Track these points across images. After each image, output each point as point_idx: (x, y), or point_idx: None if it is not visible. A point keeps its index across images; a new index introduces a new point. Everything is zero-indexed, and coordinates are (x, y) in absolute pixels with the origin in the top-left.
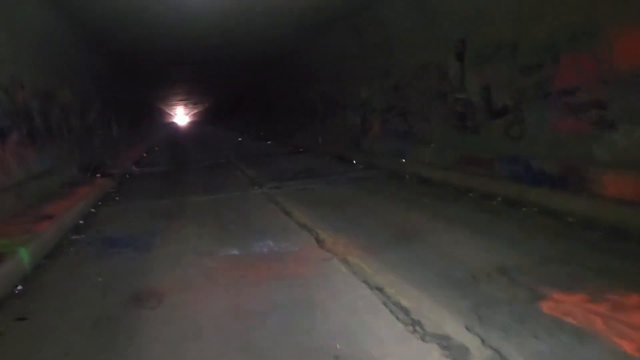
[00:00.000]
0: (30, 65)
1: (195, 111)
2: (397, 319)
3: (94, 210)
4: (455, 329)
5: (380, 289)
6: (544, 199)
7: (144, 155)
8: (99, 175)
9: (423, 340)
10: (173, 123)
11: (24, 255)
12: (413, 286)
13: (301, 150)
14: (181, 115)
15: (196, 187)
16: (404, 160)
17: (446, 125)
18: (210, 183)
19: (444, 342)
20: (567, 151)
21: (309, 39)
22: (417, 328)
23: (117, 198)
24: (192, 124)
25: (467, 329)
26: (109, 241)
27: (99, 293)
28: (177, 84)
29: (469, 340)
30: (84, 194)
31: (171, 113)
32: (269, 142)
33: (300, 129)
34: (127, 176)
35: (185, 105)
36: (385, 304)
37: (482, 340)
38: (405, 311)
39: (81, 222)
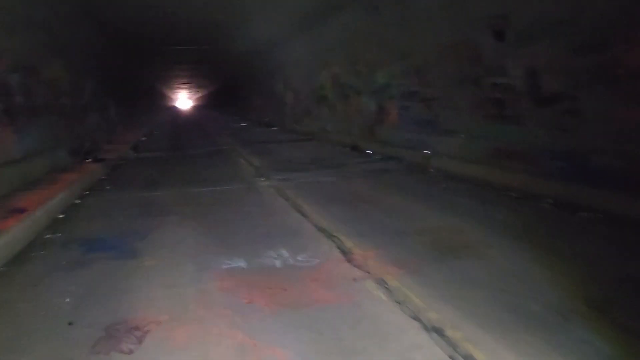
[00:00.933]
0: (9, 34)
1: (198, 95)
2: None
3: (78, 201)
4: None
5: (440, 332)
6: (609, 202)
7: (143, 139)
8: (90, 160)
9: None
10: (175, 107)
11: None
12: (483, 329)
13: (309, 138)
14: (184, 100)
15: (196, 176)
16: (427, 152)
17: (479, 114)
18: (212, 172)
19: None
20: (636, 146)
21: (319, 18)
22: None
23: (107, 187)
24: (195, 108)
25: None
26: (89, 243)
27: (61, 325)
28: (180, 65)
29: None
30: (70, 182)
31: (173, 97)
32: (273, 129)
33: (306, 115)
34: (122, 162)
35: (188, 89)
36: (453, 358)
37: None
38: None
39: (61, 216)
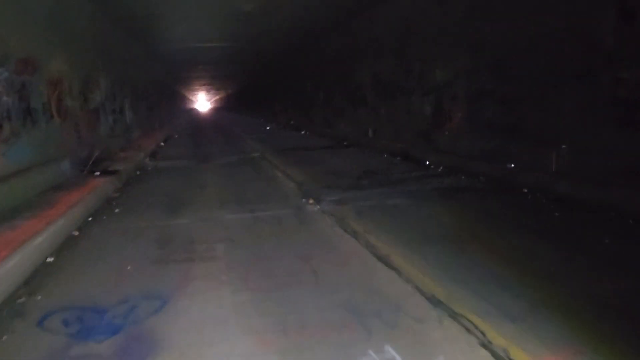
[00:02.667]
0: None
1: (218, 97)
2: None
3: (77, 232)
4: None
5: None
6: None
7: (162, 144)
8: (99, 173)
9: None
10: (194, 109)
11: None
12: None
13: (346, 143)
14: (203, 101)
15: (225, 194)
16: (511, 165)
17: (593, 118)
18: (244, 189)
19: None
20: None
21: (359, 9)
22: None
23: (116, 210)
24: (214, 110)
25: None
26: (79, 319)
27: None
28: (200, 66)
29: None
30: (69, 205)
31: (192, 98)
32: (302, 133)
33: (341, 117)
34: (138, 173)
35: (208, 90)
36: None
37: None
38: None
39: (50, 259)
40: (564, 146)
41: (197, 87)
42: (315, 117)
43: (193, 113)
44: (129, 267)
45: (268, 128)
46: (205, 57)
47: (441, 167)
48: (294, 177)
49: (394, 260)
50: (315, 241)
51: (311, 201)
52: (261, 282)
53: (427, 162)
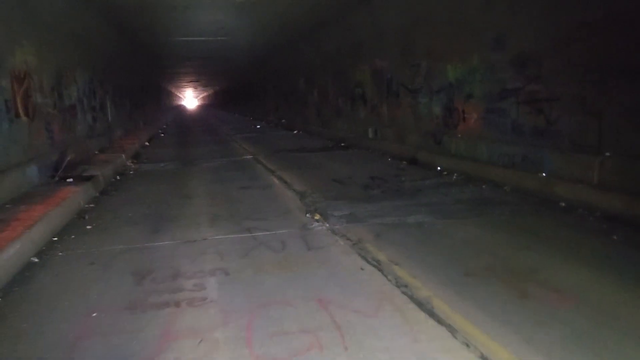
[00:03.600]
0: None
1: (205, 94)
2: None
3: (36, 259)
4: None
5: None
6: None
7: (146, 144)
8: (72, 179)
9: None
10: (182, 106)
11: None
12: None
13: (344, 145)
14: (190, 98)
15: (216, 206)
16: (542, 174)
17: None
18: (237, 199)
19: None
20: None
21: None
22: None
23: (88, 226)
24: (202, 108)
25: None
26: None
27: None
28: (189, 61)
29: None
30: (28, 225)
31: (180, 95)
32: (295, 132)
33: (337, 117)
34: (117, 178)
35: (195, 87)
36: None
37: None
38: None
39: None
40: (607, 154)
41: (184, 84)
42: (309, 115)
43: (181, 110)
44: (94, 315)
45: (258, 127)
46: (193, 51)
47: (455, 175)
48: (292, 185)
49: (439, 309)
50: (331, 275)
51: (317, 217)
52: (269, 345)
53: (439, 168)
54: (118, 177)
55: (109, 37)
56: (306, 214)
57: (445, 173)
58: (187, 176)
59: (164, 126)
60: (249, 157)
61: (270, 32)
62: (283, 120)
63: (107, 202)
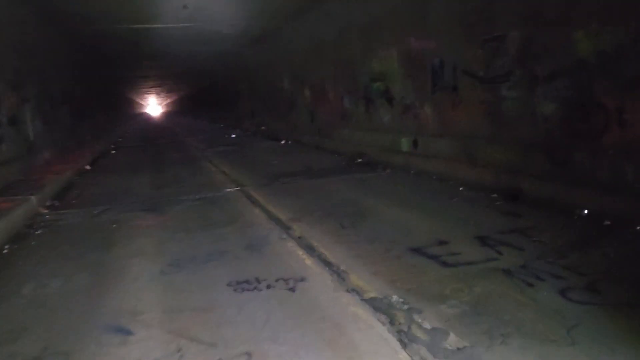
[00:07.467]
0: None
1: (170, 100)
2: None
3: None
4: None
5: None
6: None
7: (86, 168)
8: None
9: None
10: (144, 114)
11: None
12: None
13: (361, 161)
14: (154, 105)
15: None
16: None
17: None
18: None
19: None
20: None
21: None
22: None
23: None
24: (167, 115)
25: None
26: None
27: None
28: (146, 62)
29: None
30: None
31: (142, 102)
32: (282, 143)
33: (342, 123)
34: (6, 250)
35: (158, 93)
36: None
37: None
38: None
39: None
40: None
41: (146, 89)
42: (299, 121)
43: (143, 118)
44: None
45: (233, 136)
46: (150, 45)
47: (609, 222)
48: (348, 275)
49: None
50: None
51: None
52: None
53: (585, 212)
54: (6, 249)
55: (26, 25)
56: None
57: (598, 221)
58: (131, 245)
59: (119, 139)
60: (233, 189)
61: (245, 15)
62: (263, 128)
63: None
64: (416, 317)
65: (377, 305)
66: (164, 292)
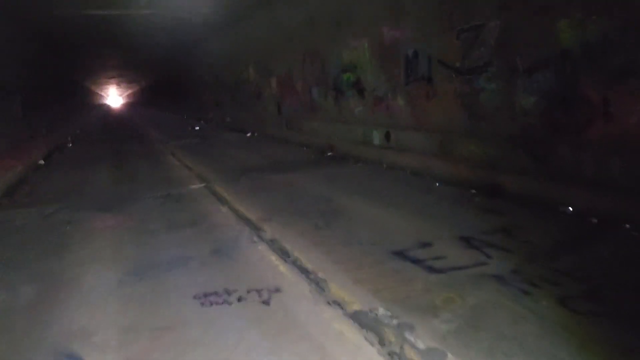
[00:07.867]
0: None
1: (131, 91)
2: None
3: None
4: None
5: None
6: None
7: (40, 163)
8: None
9: None
10: (104, 105)
11: None
12: None
13: (331, 154)
14: (115, 96)
15: None
16: None
17: None
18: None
19: None
20: None
21: None
22: None
23: None
24: (128, 106)
25: None
26: None
27: None
28: (105, 50)
29: None
30: None
31: (102, 94)
32: (248, 135)
33: (311, 115)
34: None
35: (119, 84)
36: None
37: None
38: None
39: None
40: None
41: (106, 80)
42: (266, 113)
43: (103, 110)
44: None
45: (197, 128)
46: (108, 32)
47: (596, 220)
48: (309, 266)
49: None
50: None
51: None
52: None
53: (570, 209)
54: None
55: None
56: None
57: (580, 217)
58: (86, 249)
59: (77, 131)
60: (198, 185)
61: (207, 1)
62: (228, 119)
63: None
64: (408, 334)
65: (363, 321)
66: (121, 307)
